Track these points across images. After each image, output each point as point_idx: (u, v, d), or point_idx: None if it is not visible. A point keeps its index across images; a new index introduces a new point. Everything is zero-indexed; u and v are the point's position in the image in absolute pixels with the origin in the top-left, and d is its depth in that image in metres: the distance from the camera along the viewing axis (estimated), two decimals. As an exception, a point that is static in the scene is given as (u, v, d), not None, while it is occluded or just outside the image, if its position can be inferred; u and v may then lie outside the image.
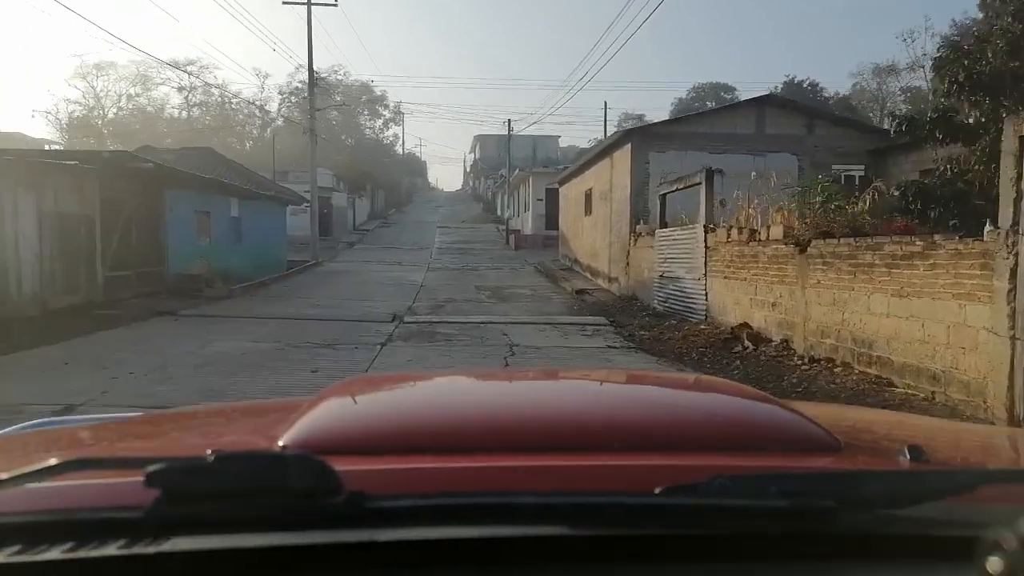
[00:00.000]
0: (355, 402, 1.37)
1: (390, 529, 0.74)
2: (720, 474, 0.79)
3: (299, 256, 27.84)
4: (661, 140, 16.47)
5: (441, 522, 0.75)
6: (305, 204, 36.22)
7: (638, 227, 16.05)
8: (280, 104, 59.63)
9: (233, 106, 59.01)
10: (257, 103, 58.41)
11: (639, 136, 16.46)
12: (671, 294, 13.26)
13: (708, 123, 16.61)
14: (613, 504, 0.78)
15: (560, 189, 27.60)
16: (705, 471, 0.80)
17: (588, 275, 21.42)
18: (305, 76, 37.57)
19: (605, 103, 38.70)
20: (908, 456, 0.99)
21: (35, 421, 1.65)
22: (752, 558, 0.77)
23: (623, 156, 17.03)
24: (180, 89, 58.00)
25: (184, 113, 58.82)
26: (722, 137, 16.41)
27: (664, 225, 14.09)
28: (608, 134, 29.99)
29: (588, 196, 21.51)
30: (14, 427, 1.53)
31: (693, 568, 0.77)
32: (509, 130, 38.03)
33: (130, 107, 57.40)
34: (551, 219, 35.45)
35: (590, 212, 21.26)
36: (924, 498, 0.78)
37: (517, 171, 36.61)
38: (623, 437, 1.08)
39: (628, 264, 16.39)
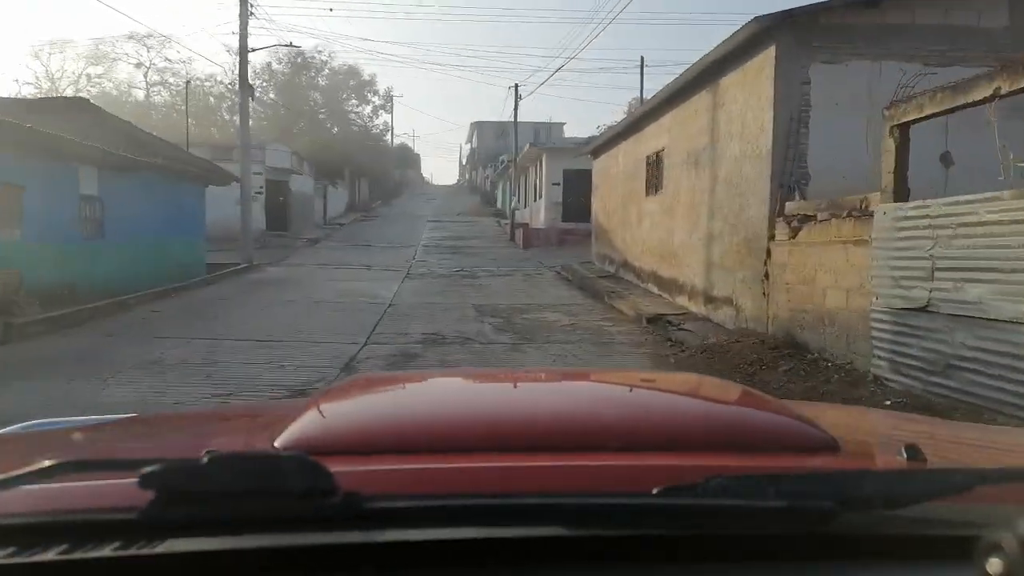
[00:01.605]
0: (352, 402, 1.36)
1: (387, 530, 0.73)
2: (718, 474, 0.78)
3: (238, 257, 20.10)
4: (829, 40, 8.69)
5: (438, 523, 0.74)
6: (256, 189, 28.61)
7: (790, 204, 8.31)
8: (253, 88, 51.68)
9: (207, 89, 51.21)
10: (227, 82, 50.68)
11: (790, 33, 8.67)
12: (976, 358, 5.44)
13: (920, 9, 8.85)
14: (611, 504, 0.77)
15: (595, 163, 19.82)
16: (703, 471, 0.79)
17: (653, 287, 13.65)
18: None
19: (642, 59, 30.92)
20: (906, 456, 0.97)
21: (30, 422, 1.59)
22: (751, 559, 0.77)
23: (750, 76, 9.26)
24: (138, 65, 50.41)
25: (153, 96, 50.84)
26: (946, 35, 8.67)
27: (898, 194, 6.33)
28: (627, 116, 22.29)
29: (653, 164, 13.74)
30: (9, 428, 1.52)
31: (692, 568, 0.76)
32: (516, 97, 30.30)
33: (91, 90, 49.51)
34: (571, 208, 27.75)
35: (657, 189, 13.49)
36: (923, 498, 0.77)
37: (528, 146, 28.80)
38: (622, 437, 1.06)
39: (768, 276, 8.63)
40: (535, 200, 31.32)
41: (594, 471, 0.93)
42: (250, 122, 51.76)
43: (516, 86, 29.99)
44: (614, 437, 1.04)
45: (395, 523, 0.73)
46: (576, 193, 28.06)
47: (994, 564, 0.66)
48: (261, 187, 28.34)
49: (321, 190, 36.10)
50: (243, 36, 18.74)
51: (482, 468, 0.92)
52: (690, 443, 1.05)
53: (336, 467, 0.74)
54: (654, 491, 0.75)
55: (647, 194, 14.09)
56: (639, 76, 29.67)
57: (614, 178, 17.16)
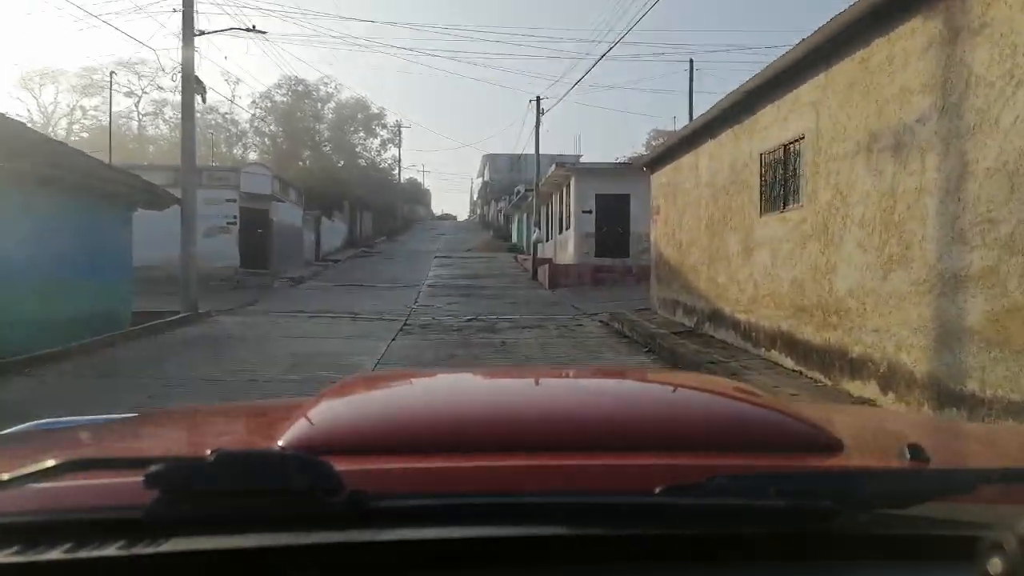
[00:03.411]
0: (356, 401, 1.35)
1: (391, 529, 0.73)
2: (720, 474, 0.77)
3: (209, 302, 15.32)
4: None
5: (442, 522, 0.73)
6: (228, 219, 23.99)
7: None
8: (252, 118, 48.21)
9: (206, 121, 47.20)
10: (225, 112, 46.91)
11: None
12: None
13: None
14: (613, 504, 0.77)
15: (653, 179, 14.94)
16: (705, 471, 0.78)
17: (783, 357, 8.66)
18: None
19: (691, 61, 26.39)
20: (908, 456, 0.95)
21: (36, 422, 1.55)
22: (752, 558, 0.76)
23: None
24: (128, 94, 46.58)
25: (152, 128, 46.80)
26: None
27: None
28: (672, 133, 17.51)
29: (776, 164, 8.88)
30: (14, 428, 1.49)
31: (693, 568, 0.76)
32: (538, 111, 25.67)
33: (85, 122, 45.53)
34: (606, 241, 22.98)
35: (785, 202, 8.61)
36: (924, 498, 0.77)
37: (553, 166, 24.09)
38: (624, 436, 1.05)
39: None
40: (560, 232, 26.58)
41: (597, 471, 0.93)
42: (243, 150, 47.15)
43: (538, 99, 25.45)
44: (616, 437, 1.04)
45: (399, 522, 0.73)
46: (612, 222, 23.33)
47: (995, 564, 0.65)
48: (235, 216, 23.67)
49: (313, 222, 31.46)
50: (188, 14, 14.12)
51: (485, 467, 0.91)
52: (692, 443, 1.04)
53: (341, 466, 0.73)
54: (656, 491, 0.75)
55: (764, 212, 9.19)
56: (685, 85, 24.98)
57: (690, 194, 12.29)
